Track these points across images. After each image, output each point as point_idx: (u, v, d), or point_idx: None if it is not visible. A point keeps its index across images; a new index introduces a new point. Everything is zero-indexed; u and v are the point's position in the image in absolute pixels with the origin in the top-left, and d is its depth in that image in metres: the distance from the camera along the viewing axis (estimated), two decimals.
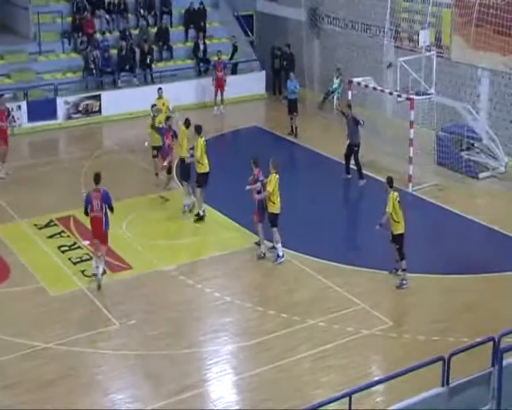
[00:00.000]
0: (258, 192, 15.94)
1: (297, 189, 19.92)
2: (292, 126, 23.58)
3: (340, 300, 14.18)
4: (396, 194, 14.78)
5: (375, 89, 21.07)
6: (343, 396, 9.44)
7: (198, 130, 17.51)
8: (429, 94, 20.23)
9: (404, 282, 14.71)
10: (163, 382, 12.05)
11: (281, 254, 15.70)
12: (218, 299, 14.50)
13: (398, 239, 14.78)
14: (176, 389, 11.84)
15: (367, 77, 21.82)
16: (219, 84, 25.81)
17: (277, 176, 15.77)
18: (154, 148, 19.33)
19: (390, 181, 15.03)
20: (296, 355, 12.65)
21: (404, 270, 14.81)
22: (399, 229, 14.73)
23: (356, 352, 12.76)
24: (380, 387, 11.28)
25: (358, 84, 21.27)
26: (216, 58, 26.45)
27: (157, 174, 19.40)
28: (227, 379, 12.30)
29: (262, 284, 15.15)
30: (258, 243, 16.18)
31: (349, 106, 20.14)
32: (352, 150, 20.02)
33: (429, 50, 21.09)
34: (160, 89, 22.00)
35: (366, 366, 12.51)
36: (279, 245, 15.69)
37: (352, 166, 20.14)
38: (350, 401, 9.22)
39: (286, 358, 12.58)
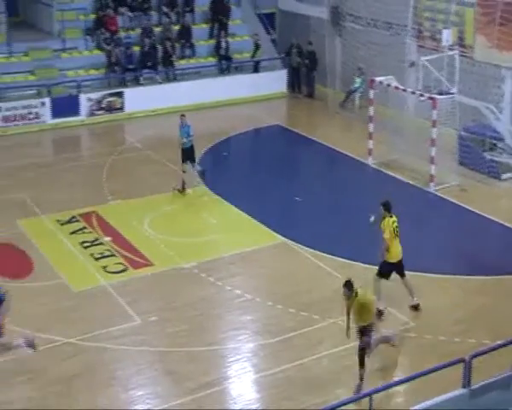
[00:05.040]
0: None
1: (317, 187, 19.95)
2: (183, 181, 18.96)
3: None
4: (393, 219, 13.46)
5: (397, 88, 21.00)
6: (364, 396, 9.46)
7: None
8: (452, 93, 20.13)
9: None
10: (183, 379, 12.09)
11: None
12: (238, 296, 14.53)
13: (384, 265, 13.65)
14: (196, 387, 11.86)
15: (389, 76, 21.76)
16: None
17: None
18: None
19: (387, 205, 13.49)
20: (316, 354, 12.65)
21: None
22: (391, 258, 13.55)
23: (376, 352, 12.71)
24: (400, 387, 11.26)
25: (380, 83, 21.22)
26: None
27: None
28: (247, 377, 12.32)
29: (282, 282, 15.13)
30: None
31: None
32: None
33: (452, 49, 20.99)
34: None
35: (387, 367, 12.48)
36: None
37: None
38: (370, 401, 9.23)
39: (306, 356, 12.58)
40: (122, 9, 27.48)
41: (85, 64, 26.04)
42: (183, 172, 18.98)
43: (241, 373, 12.37)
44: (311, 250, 16.19)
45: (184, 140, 18.82)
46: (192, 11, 28.66)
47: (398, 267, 13.75)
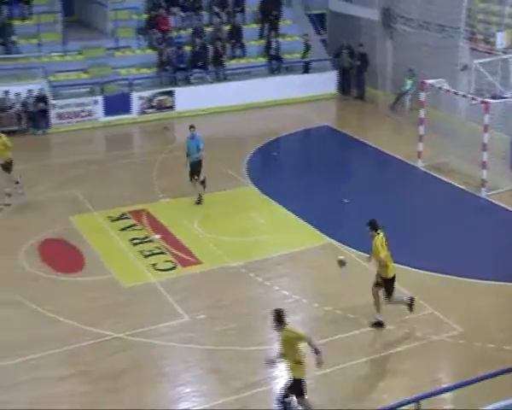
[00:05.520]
0: None
1: (365, 189, 19.86)
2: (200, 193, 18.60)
3: None
4: (381, 235, 13.09)
5: (448, 91, 20.79)
6: (410, 401, 9.42)
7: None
8: (505, 97, 19.83)
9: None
10: (230, 378, 12.17)
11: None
12: (285, 297, 14.56)
13: (388, 284, 13.25)
14: (242, 386, 11.93)
15: (440, 79, 21.54)
16: None
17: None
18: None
19: (373, 224, 13.18)
20: (363, 357, 12.62)
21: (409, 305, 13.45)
22: (390, 273, 13.22)
23: (424, 357, 12.63)
24: (448, 394, 11.16)
25: (431, 85, 21.02)
26: None
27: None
28: None
29: (330, 284, 15.10)
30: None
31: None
32: None
33: (506, 53, 20.68)
34: None
35: (434, 373, 12.36)
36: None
37: None
38: (418, 406, 9.18)
39: (353, 359, 12.54)
40: (174, 9, 27.74)
41: (137, 63, 26.38)
42: (194, 182, 18.50)
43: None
44: (359, 252, 16.12)
45: (194, 155, 18.17)
46: (243, 11, 28.79)
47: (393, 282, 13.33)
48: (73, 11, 29.12)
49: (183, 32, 27.44)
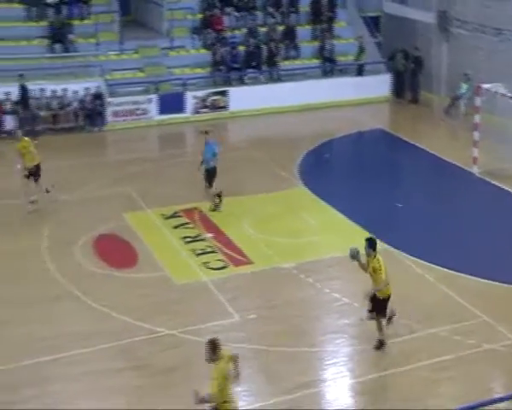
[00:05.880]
0: None
1: (419, 194, 19.71)
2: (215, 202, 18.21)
3: (462, 311, 13.91)
4: (378, 257, 12.55)
5: (504, 95, 20.46)
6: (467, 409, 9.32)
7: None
8: None
9: None
10: (280, 378, 12.19)
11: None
12: (336, 300, 14.55)
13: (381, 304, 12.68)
14: (292, 387, 11.96)
15: (497, 83, 21.21)
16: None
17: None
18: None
19: (373, 242, 12.60)
20: (415, 363, 12.52)
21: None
22: (387, 292, 12.67)
23: (477, 366, 12.47)
24: (502, 405, 10.99)
25: (487, 90, 20.72)
26: None
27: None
28: (343, 381, 12.34)
29: None
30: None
31: None
32: None
33: None
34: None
35: (487, 382, 12.21)
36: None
37: None
38: None
39: (404, 365, 12.47)
40: (228, 9, 27.90)
41: (191, 62, 26.62)
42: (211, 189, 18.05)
43: (337, 377, 12.39)
44: (413, 258, 15.99)
45: (209, 161, 17.85)
46: (297, 12, 28.79)
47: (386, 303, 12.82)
48: (130, 11, 29.59)
49: (237, 32, 27.59)
